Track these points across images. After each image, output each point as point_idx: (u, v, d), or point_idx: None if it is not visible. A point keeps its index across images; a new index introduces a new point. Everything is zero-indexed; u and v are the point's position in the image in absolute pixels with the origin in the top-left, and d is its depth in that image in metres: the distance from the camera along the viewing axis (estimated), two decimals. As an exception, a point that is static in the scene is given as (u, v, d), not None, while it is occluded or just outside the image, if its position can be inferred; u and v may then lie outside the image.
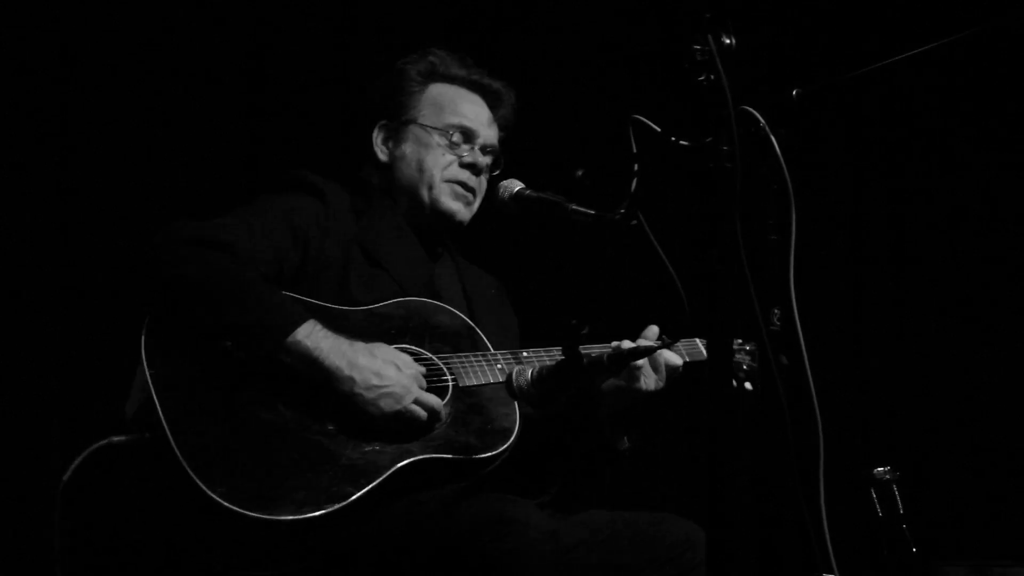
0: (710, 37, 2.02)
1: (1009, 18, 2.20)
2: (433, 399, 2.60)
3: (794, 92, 2.20)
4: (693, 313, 2.19)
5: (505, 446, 2.65)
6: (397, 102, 2.99)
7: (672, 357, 2.87)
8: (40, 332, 3.44)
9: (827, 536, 2.16)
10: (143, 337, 2.48)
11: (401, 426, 2.57)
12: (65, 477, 2.42)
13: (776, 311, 2.15)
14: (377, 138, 3.01)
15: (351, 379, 2.52)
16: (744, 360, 3.00)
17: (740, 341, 3.00)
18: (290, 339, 2.50)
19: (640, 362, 2.80)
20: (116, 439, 2.47)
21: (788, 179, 2.15)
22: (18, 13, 3.48)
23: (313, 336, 2.52)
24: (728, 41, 2.03)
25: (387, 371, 2.56)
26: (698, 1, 2.07)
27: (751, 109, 2.15)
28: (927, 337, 4.59)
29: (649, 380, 2.83)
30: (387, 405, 2.54)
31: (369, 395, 2.53)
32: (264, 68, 3.86)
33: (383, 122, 3.01)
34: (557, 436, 2.95)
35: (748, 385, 2.92)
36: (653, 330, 2.84)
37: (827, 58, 4.52)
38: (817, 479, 2.16)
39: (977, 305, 4.55)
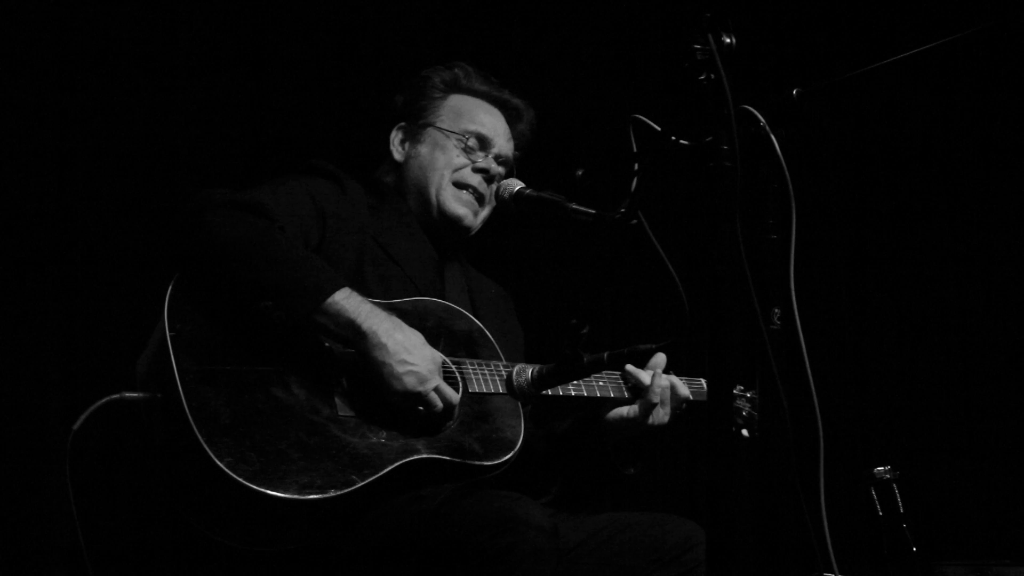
0: (710, 37, 2.02)
1: (1009, 18, 2.20)
2: (453, 393, 2.61)
3: (794, 92, 2.20)
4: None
5: (507, 457, 2.66)
6: (418, 106, 3.05)
7: (681, 387, 2.91)
8: (62, 287, 3.41)
9: (827, 536, 2.15)
10: (167, 298, 2.47)
11: (414, 410, 2.57)
12: (75, 426, 2.42)
13: (776, 311, 2.15)
14: (395, 139, 3.06)
15: (384, 346, 2.53)
16: (743, 406, 3.00)
17: (741, 387, 3.01)
18: (329, 300, 2.51)
19: (655, 393, 2.85)
20: (128, 395, 2.48)
21: (788, 179, 2.15)
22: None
23: (352, 299, 2.54)
24: (728, 41, 2.03)
25: (418, 352, 2.57)
26: (698, 1, 2.07)
27: (751, 109, 2.15)
28: (927, 337, 4.58)
29: (658, 413, 2.87)
30: (410, 383, 2.54)
31: (398, 368, 2.53)
32: (277, 68, 3.85)
33: (402, 124, 3.06)
34: (562, 457, 2.97)
35: (745, 432, 2.93)
36: (660, 358, 2.89)
37: (827, 58, 4.52)
38: (817, 479, 2.16)
39: (978, 304, 4.54)
